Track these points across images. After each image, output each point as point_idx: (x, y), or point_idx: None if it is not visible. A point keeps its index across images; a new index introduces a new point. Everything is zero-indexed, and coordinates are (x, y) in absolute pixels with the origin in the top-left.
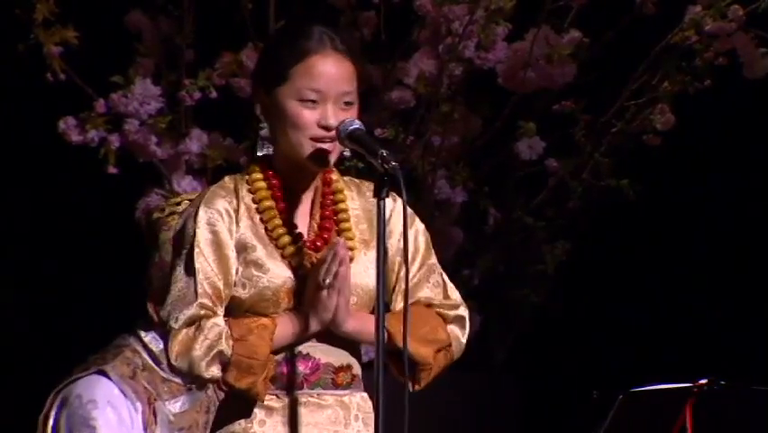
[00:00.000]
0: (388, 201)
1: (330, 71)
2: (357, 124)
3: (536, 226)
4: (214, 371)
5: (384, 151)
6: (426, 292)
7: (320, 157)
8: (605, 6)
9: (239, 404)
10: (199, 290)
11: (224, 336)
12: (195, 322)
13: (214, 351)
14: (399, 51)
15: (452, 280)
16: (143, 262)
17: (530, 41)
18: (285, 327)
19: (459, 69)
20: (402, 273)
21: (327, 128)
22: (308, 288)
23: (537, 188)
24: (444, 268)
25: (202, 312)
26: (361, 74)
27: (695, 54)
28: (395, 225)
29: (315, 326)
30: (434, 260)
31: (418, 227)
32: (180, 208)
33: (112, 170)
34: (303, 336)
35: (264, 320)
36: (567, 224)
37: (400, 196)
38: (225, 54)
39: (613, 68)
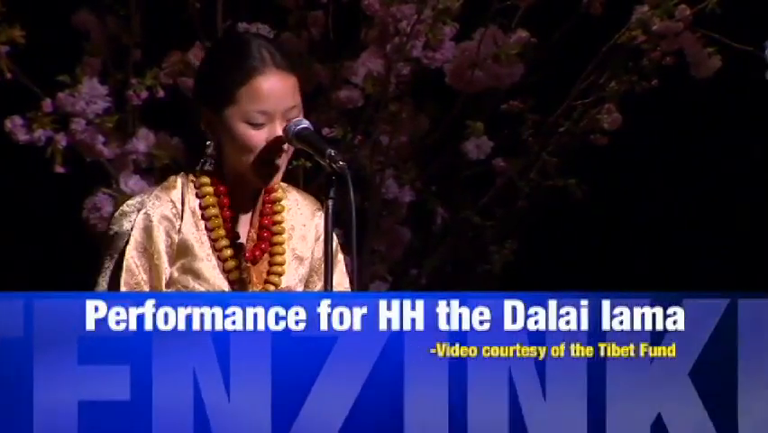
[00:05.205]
0: (317, 216)
1: (275, 91)
2: (305, 124)
3: (484, 226)
4: None
5: (332, 150)
6: None
7: (268, 174)
8: (552, 6)
9: None
10: None
11: None
12: None
13: None
14: (347, 51)
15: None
16: (90, 261)
17: (478, 41)
18: None
19: (406, 68)
20: (315, 289)
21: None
22: None
23: (485, 188)
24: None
25: None
26: (303, 81)
27: (642, 54)
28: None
29: None
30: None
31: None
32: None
33: (59, 169)
34: None
35: None
36: (515, 223)
37: (347, 196)
38: (173, 53)
39: (560, 67)
